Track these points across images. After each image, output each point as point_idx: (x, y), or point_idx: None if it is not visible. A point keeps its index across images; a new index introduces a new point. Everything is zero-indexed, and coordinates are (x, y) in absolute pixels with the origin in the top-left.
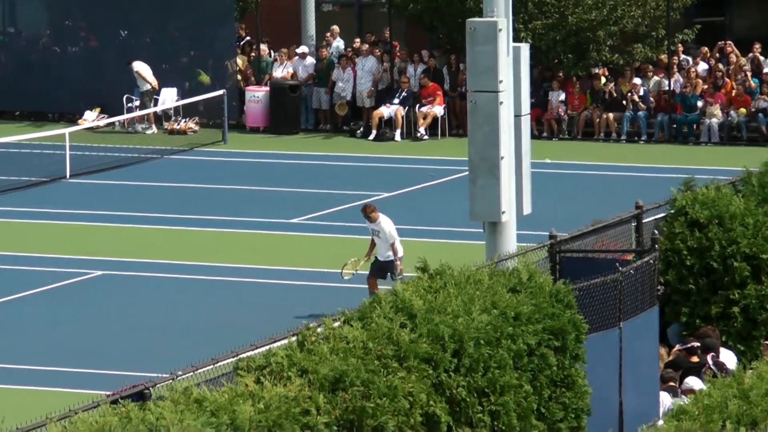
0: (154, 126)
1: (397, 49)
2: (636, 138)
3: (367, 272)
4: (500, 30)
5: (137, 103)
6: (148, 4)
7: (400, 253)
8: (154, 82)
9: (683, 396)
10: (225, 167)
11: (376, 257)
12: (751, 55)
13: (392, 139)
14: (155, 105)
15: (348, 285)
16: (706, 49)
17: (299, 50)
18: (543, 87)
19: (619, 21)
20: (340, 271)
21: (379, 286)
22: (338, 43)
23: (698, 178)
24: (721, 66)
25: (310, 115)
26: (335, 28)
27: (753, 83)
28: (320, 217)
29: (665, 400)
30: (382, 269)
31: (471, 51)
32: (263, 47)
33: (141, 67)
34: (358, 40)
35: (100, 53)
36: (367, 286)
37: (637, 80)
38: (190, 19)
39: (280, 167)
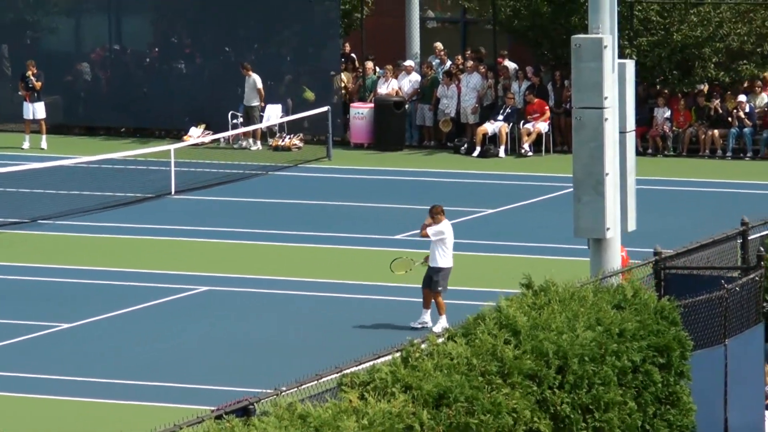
0: (259, 142)
1: (505, 62)
2: (741, 155)
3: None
4: (605, 46)
5: (240, 119)
6: (253, 20)
7: (444, 264)
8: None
9: None
10: (329, 183)
11: (428, 265)
12: None
13: (496, 155)
14: (261, 121)
15: (453, 301)
16: None
17: (406, 63)
18: (648, 103)
19: (725, 38)
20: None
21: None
22: (446, 65)
23: None
24: None
25: (415, 132)
26: (438, 45)
27: None
28: None
29: None
30: (429, 278)
31: (576, 67)
32: (368, 64)
33: (258, 80)
34: (459, 57)
35: (205, 70)
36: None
37: (742, 97)
38: (295, 35)
39: (384, 183)
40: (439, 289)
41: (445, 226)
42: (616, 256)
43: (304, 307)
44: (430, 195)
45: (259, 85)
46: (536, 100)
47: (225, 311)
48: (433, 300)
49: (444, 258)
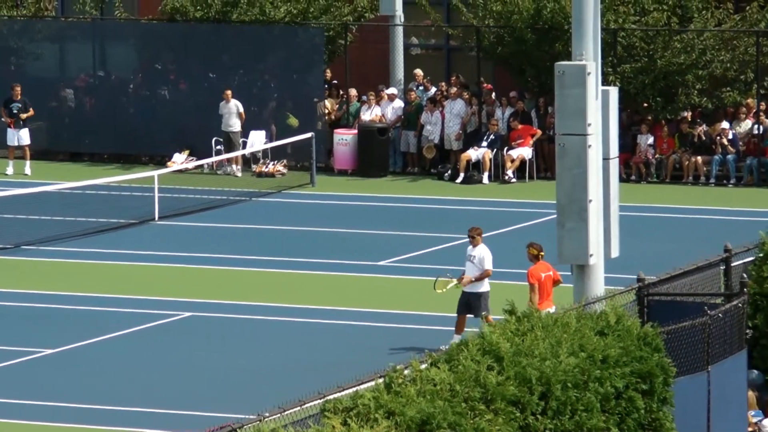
0: (239, 168)
1: (492, 93)
2: (725, 181)
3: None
4: (589, 73)
5: (219, 147)
6: (237, 47)
7: (482, 288)
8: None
9: None
10: (313, 210)
11: (462, 290)
12: None
13: (480, 181)
14: (243, 147)
15: (435, 327)
16: None
17: (388, 91)
18: (631, 130)
19: (708, 65)
20: (434, 281)
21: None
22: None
23: None
24: None
25: (398, 158)
26: (418, 71)
27: None
28: (407, 260)
29: None
30: (467, 304)
31: (560, 94)
32: (351, 91)
33: (239, 105)
34: (441, 83)
35: (189, 96)
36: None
37: (725, 124)
38: (279, 62)
39: (368, 210)
40: (484, 313)
41: (485, 249)
42: (599, 282)
43: (287, 333)
44: (413, 221)
45: (241, 110)
46: (520, 126)
47: (208, 337)
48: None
49: (483, 282)
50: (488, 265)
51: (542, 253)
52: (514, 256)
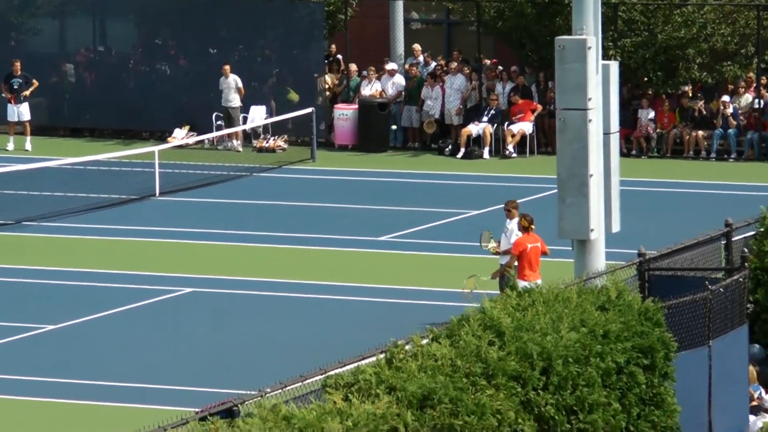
0: (240, 143)
1: (497, 67)
2: (725, 156)
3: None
4: (589, 48)
5: (219, 122)
6: (236, 22)
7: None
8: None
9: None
10: (313, 185)
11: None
12: None
13: (481, 156)
14: (244, 122)
15: (436, 302)
16: None
17: (388, 66)
18: (632, 105)
19: (709, 39)
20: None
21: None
22: (430, 67)
23: None
24: None
25: (399, 133)
26: (417, 46)
27: None
28: (408, 235)
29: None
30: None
31: (560, 69)
32: (352, 66)
33: (238, 80)
34: (440, 57)
35: (189, 71)
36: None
37: (726, 98)
38: (279, 37)
39: (369, 185)
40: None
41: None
42: (600, 257)
43: (288, 309)
44: (414, 196)
45: (240, 85)
46: (521, 100)
47: (209, 313)
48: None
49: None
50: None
51: (533, 226)
52: None
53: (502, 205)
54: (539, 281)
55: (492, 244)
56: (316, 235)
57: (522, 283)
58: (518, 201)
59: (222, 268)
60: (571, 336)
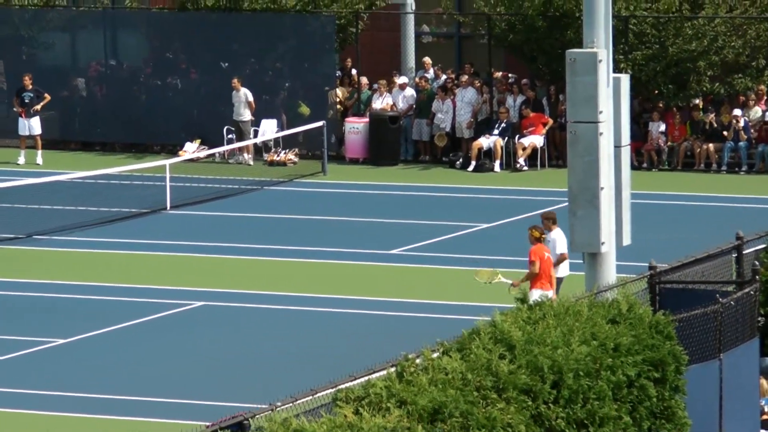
0: (251, 157)
1: (508, 78)
2: (736, 169)
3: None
4: (600, 61)
5: (230, 136)
6: (248, 36)
7: (561, 273)
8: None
9: None
10: (324, 198)
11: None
12: None
13: (491, 170)
14: (255, 136)
15: (447, 315)
16: None
17: (399, 80)
18: (643, 117)
19: (720, 51)
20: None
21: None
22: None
23: None
24: None
25: (410, 147)
26: (427, 59)
27: None
28: (419, 248)
29: None
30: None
31: (571, 82)
32: (363, 79)
33: (249, 94)
34: (450, 70)
35: (201, 85)
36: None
37: (737, 111)
38: (290, 50)
39: (380, 198)
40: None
41: (558, 233)
42: (611, 270)
43: (299, 322)
44: (425, 209)
45: (250, 98)
46: (532, 114)
47: (220, 326)
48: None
49: (560, 267)
50: (562, 248)
51: (544, 236)
52: (526, 244)
53: (513, 218)
54: (551, 293)
55: (494, 277)
56: (328, 248)
57: (539, 292)
58: (528, 214)
59: (233, 281)
60: (581, 349)
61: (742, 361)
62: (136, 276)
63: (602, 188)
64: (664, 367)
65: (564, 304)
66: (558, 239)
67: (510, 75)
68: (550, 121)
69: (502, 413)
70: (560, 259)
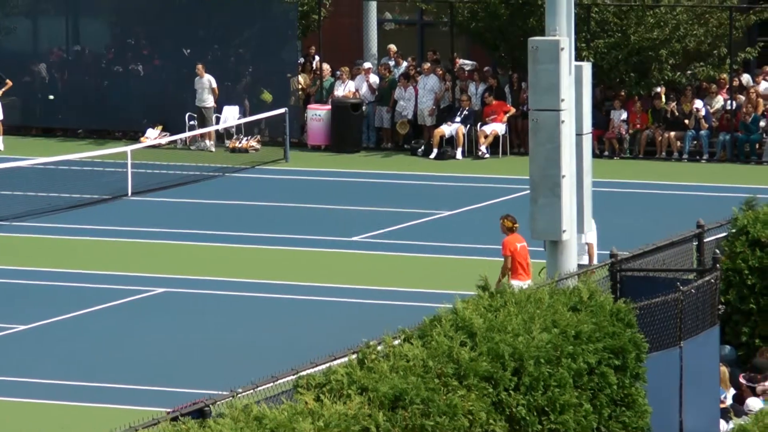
0: (213, 143)
1: (468, 66)
2: (698, 157)
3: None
4: (562, 49)
5: (192, 122)
6: (211, 21)
7: (591, 260)
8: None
9: (745, 416)
10: (286, 185)
11: None
12: None
13: (453, 157)
14: (217, 122)
15: (409, 303)
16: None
17: (365, 65)
18: (605, 106)
19: (682, 39)
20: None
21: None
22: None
23: (760, 198)
24: None
25: (372, 134)
26: (392, 47)
27: None
28: (381, 236)
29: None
30: None
31: (533, 70)
32: (325, 66)
33: (212, 80)
34: (411, 58)
35: (163, 71)
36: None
37: (698, 102)
38: (253, 37)
39: (341, 185)
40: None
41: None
42: (572, 257)
43: (260, 309)
44: (387, 197)
45: (214, 85)
46: (494, 101)
47: (181, 313)
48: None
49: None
50: (590, 239)
51: (516, 225)
52: (488, 232)
53: (475, 206)
54: (529, 282)
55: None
56: (289, 235)
57: (518, 283)
58: (490, 201)
59: (194, 268)
60: (542, 337)
61: (703, 349)
62: (97, 262)
63: (564, 176)
64: (625, 354)
65: (525, 292)
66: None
67: (468, 62)
68: (512, 110)
69: (463, 400)
70: (590, 251)
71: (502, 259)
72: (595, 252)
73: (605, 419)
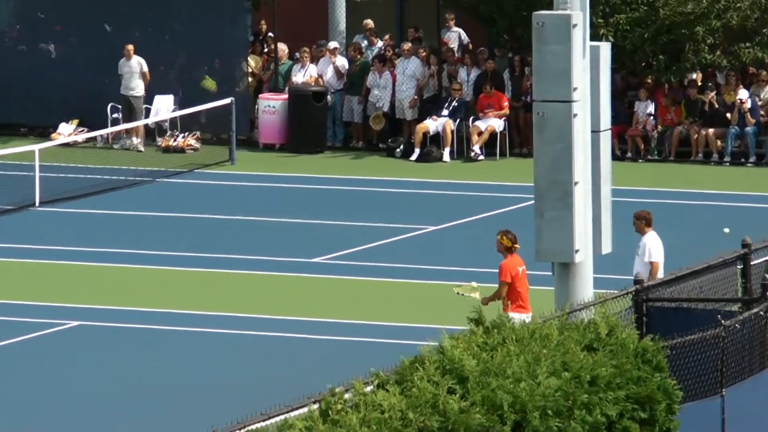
0: (141, 141)
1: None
2: (742, 159)
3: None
4: (575, 25)
5: (116, 115)
6: None
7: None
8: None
9: None
10: (232, 193)
11: None
12: None
13: (440, 159)
14: (147, 115)
15: (382, 339)
16: None
17: (330, 45)
18: (627, 96)
19: (723, 14)
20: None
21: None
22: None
23: None
24: None
25: (339, 130)
26: (369, 22)
27: None
28: (349, 256)
29: None
30: None
31: (539, 51)
32: (281, 46)
33: (143, 63)
34: (387, 37)
35: (80, 53)
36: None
37: (743, 92)
38: (192, 11)
39: (300, 194)
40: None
41: (651, 237)
42: (587, 284)
43: (197, 347)
44: (357, 208)
45: (145, 69)
46: (494, 91)
47: (99, 351)
48: None
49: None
50: (655, 256)
51: (516, 246)
52: (482, 252)
53: (466, 219)
54: (529, 316)
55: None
56: (234, 255)
57: (519, 317)
58: (485, 215)
59: (116, 296)
60: (550, 382)
61: (750, 398)
62: None
63: (576, 183)
64: (653, 405)
65: (528, 327)
66: (650, 244)
67: (457, 29)
68: (506, 107)
69: None
70: (652, 271)
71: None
72: (661, 272)
73: None
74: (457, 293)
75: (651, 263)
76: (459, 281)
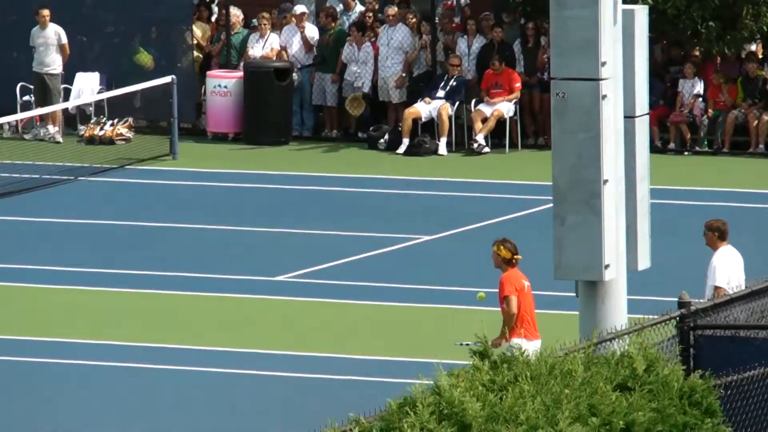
0: (60, 131)
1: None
2: None
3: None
4: None
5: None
6: None
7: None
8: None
9: None
10: (173, 195)
11: None
12: None
13: (434, 151)
14: (66, 98)
15: (363, 377)
16: None
17: (296, 10)
18: (670, 73)
19: None
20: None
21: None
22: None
23: None
24: None
25: (308, 115)
26: None
27: None
28: (320, 274)
29: None
30: None
31: (558, 17)
32: (234, 11)
33: (62, 34)
34: (369, 1)
35: None
36: None
37: None
38: None
39: (260, 195)
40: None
41: (720, 254)
42: (619, 308)
43: (132, 387)
44: (330, 214)
45: (64, 40)
46: (504, 67)
47: (10, 389)
48: None
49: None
50: (720, 280)
51: (517, 257)
52: (487, 268)
53: (466, 228)
54: (538, 344)
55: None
56: (177, 273)
57: (533, 344)
58: (491, 221)
59: (31, 324)
60: (575, 430)
61: None
62: None
63: (606, 182)
64: None
65: (546, 361)
66: (717, 263)
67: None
68: (517, 89)
69: None
70: (716, 294)
71: (504, 308)
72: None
73: None
74: (460, 344)
75: (715, 288)
76: (457, 305)
